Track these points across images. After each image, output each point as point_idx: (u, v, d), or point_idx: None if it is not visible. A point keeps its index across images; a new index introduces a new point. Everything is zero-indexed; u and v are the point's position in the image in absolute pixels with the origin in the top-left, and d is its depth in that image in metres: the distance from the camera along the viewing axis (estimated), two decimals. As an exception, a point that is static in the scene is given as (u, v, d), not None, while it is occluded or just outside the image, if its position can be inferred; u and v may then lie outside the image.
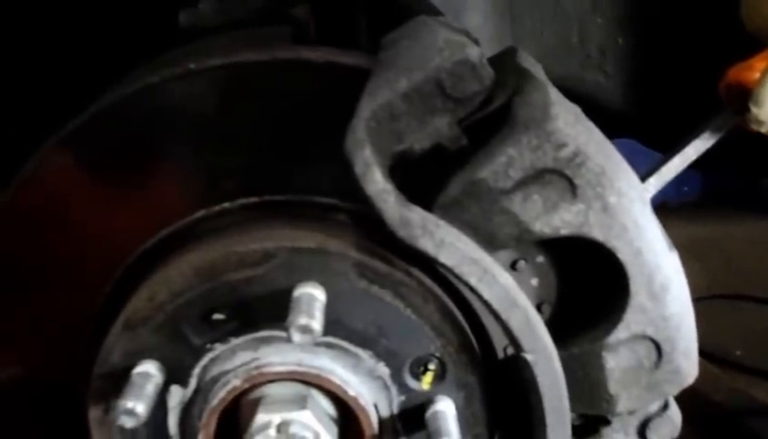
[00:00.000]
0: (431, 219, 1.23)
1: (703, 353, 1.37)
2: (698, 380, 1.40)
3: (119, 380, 1.29)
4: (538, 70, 1.35)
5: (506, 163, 1.23)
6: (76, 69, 2.09)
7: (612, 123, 1.40)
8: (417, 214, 1.23)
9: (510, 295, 1.26)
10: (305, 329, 1.19)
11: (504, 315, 1.26)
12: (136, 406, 1.23)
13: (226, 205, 1.39)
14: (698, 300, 1.36)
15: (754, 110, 1.33)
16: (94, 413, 1.35)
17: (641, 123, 2.20)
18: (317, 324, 1.20)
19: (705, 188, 6.44)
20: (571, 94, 1.32)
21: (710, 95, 1.44)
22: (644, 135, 2.24)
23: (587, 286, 1.36)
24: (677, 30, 2.12)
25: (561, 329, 1.33)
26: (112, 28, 2.12)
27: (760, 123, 1.34)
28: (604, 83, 2.19)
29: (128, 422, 1.23)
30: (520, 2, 2.15)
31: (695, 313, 1.34)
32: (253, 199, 1.39)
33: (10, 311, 1.46)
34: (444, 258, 1.24)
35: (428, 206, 1.26)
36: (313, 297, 1.25)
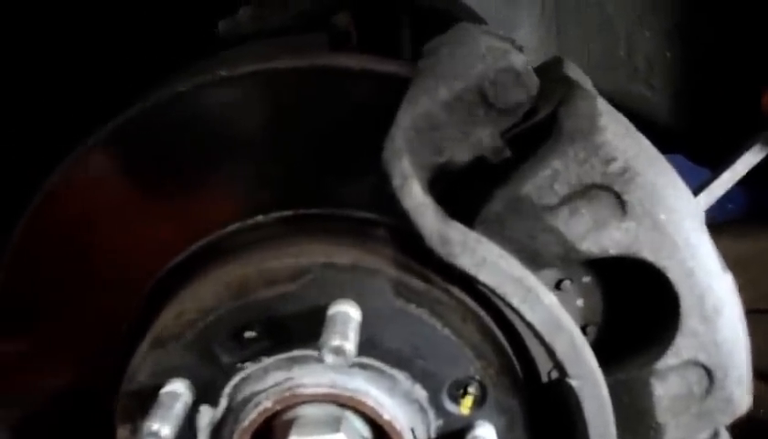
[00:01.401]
0: (471, 236, 1.19)
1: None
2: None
3: (147, 400, 1.26)
4: (585, 81, 1.31)
5: (551, 177, 1.19)
6: (117, 76, 2.09)
7: (658, 139, 1.35)
8: (457, 230, 1.19)
9: (555, 318, 1.21)
10: (339, 351, 1.15)
11: (548, 339, 1.22)
12: (162, 428, 1.20)
13: (260, 218, 1.36)
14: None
15: None
16: (122, 433, 1.33)
17: (688, 138, 2.16)
18: (351, 345, 1.16)
19: (749, 205, 6.39)
20: (617, 108, 1.27)
21: (759, 110, 1.44)
22: (691, 151, 2.20)
23: (635, 308, 1.32)
24: (725, 43, 2.08)
25: (607, 353, 1.28)
26: (154, 37, 2.11)
27: None
28: (651, 97, 2.15)
29: None
30: (566, 15, 2.12)
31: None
32: (288, 213, 1.36)
33: (41, 323, 1.45)
34: (485, 277, 1.20)
35: (469, 222, 1.22)
36: (347, 316, 1.22)
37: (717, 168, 1.43)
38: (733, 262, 1.32)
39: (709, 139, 2.11)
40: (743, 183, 1.47)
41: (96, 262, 1.40)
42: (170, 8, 2.14)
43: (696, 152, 2.19)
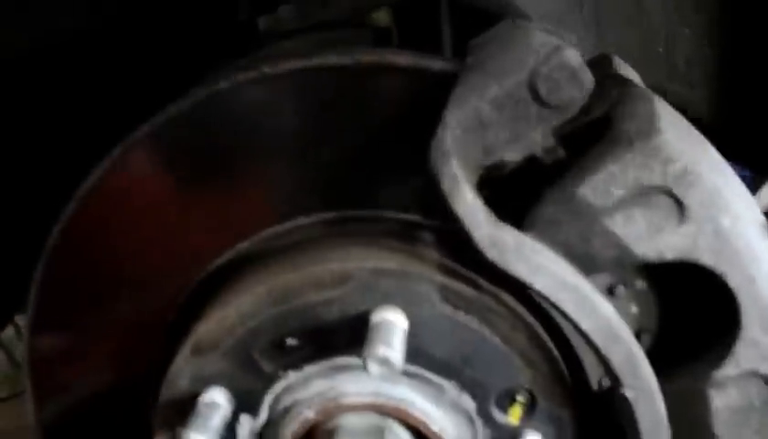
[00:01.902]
0: (526, 242, 1.16)
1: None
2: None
3: (185, 407, 1.25)
4: (637, 79, 1.28)
5: (607, 179, 1.16)
6: (159, 74, 2.08)
7: None
8: (510, 235, 1.16)
9: (612, 327, 1.18)
10: (384, 361, 1.13)
11: (604, 349, 1.19)
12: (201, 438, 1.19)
13: (301, 220, 1.34)
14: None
15: None
16: None
17: (727, 136, 2.13)
18: (397, 354, 1.14)
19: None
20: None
21: None
22: (732, 151, 2.18)
23: (692, 316, 1.29)
24: (766, 41, 2.04)
25: (662, 362, 1.24)
26: (197, 33, 2.10)
27: None
28: (691, 96, 2.11)
29: None
30: (605, 11, 2.09)
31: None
32: (330, 215, 1.34)
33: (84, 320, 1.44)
34: (540, 284, 1.17)
35: (519, 224, 1.19)
36: (392, 324, 1.19)
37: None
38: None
39: (749, 138, 2.10)
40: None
41: (134, 261, 1.39)
42: (210, 7, 2.14)
43: (737, 152, 2.16)
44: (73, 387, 1.47)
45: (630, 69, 1.36)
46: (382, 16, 1.76)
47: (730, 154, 1.38)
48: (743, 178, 1.31)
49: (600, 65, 1.29)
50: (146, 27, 2.09)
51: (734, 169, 1.31)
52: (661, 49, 2.12)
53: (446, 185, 1.16)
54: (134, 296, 1.40)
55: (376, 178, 1.31)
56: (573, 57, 1.17)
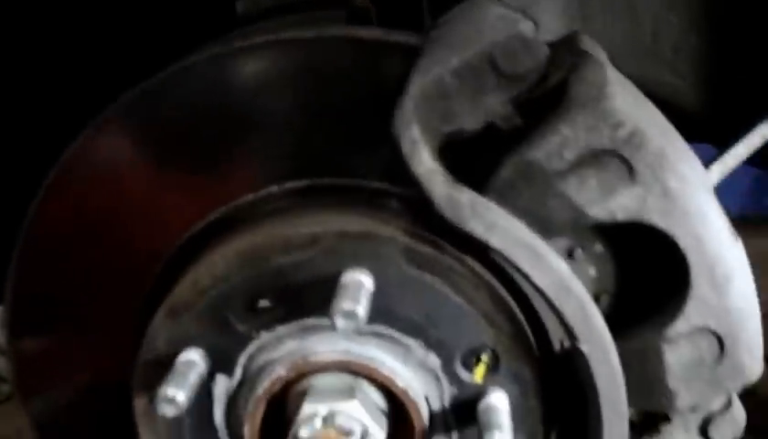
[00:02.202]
0: (481, 201, 1.22)
1: (770, 365, 1.34)
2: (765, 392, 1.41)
3: (163, 368, 1.29)
4: (598, 52, 1.33)
5: (560, 143, 1.22)
6: (135, 59, 2.12)
7: (685, 126, 1.37)
8: (466, 195, 1.22)
9: (565, 282, 1.24)
10: (350, 315, 1.18)
11: (557, 303, 1.24)
12: (177, 394, 1.23)
13: (273, 189, 1.39)
14: (765, 316, 1.35)
15: None
16: (140, 403, 1.36)
17: (714, 125, 2.16)
18: (362, 309, 1.19)
19: (758, 200, 6.43)
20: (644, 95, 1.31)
21: None
22: (717, 139, 2.20)
23: (647, 277, 1.33)
24: (753, 29, 2.06)
25: (621, 321, 1.31)
26: (172, 20, 2.14)
27: None
28: (677, 84, 2.12)
29: (169, 411, 1.23)
30: (591, 1, 2.11)
31: (763, 329, 1.33)
32: (301, 183, 1.39)
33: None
34: (495, 241, 1.22)
35: (480, 189, 1.24)
36: (360, 283, 1.24)
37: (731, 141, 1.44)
38: (756, 261, 1.35)
39: (735, 127, 2.12)
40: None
41: (111, 238, 1.43)
42: None
43: (723, 139, 2.19)
44: (63, 384, 1.51)
45: (594, 43, 1.39)
46: (360, -2, 1.78)
47: (717, 140, 1.43)
48: (747, 173, 1.38)
49: (568, 40, 1.34)
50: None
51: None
52: (648, 38, 2.14)
53: (406, 148, 1.22)
54: (113, 275, 1.44)
55: (344, 148, 1.36)
56: (528, 28, 1.23)
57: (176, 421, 1.33)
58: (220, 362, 1.31)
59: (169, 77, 1.36)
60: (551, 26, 2.03)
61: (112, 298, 1.45)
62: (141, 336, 1.38)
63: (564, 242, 1.32)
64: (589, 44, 1.36)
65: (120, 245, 1.43)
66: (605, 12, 2.11)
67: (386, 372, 1.31)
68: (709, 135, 2.15)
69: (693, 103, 2.08)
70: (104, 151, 1.40)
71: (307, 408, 1.29)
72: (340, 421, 1.28)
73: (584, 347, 1.25)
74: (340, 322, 1.18)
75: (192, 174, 1.40)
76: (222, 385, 1.33)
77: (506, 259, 1.24)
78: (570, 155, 1.22)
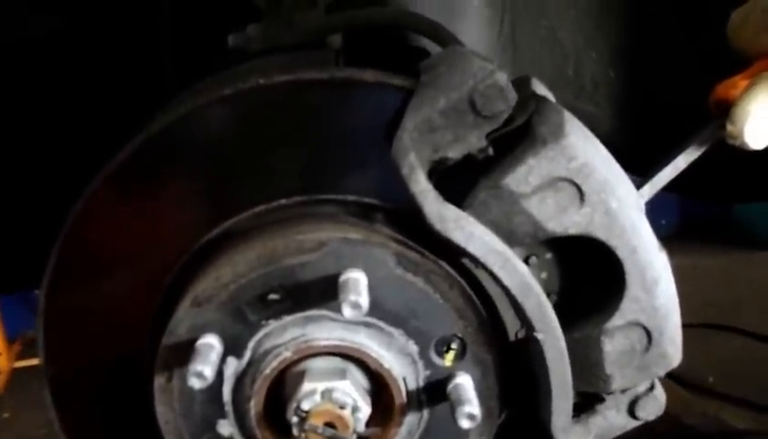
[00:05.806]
0: (462, 216, 1.38)
1: (677, 379, 1.44)
2: (671, 405, 1.53)
3: (183, 351, 1.43)
4: (550, 95, 1.52)
5: (526, 171, 1.36)
6: (126, 90, 2.22)
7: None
8: (452, 211, 1.38)
9: (527, 283, 1.40)
10: (355, 305, 1.34)
11: (520, 299, 1.40)
12: (204, 369, 1.36)
13: (283, 201, 1.54)
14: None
15: (729, 127, 1.42)
16: (159, 381, 1.48)
17: (628, 153, 2.34)
18: (365, 301, 1.35)
19: (681, 221, 6.67)
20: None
21: (693, 124, 1.50)
22: (630, 163, 2.39)
23: (587, 279, 1.47)
24: (667, 65, 2.23)
25: (565, 317, 1.43)
26: (166, 50, 2.26)
27: (734, 138, 1.42)
28: (595, 113, 2.29)
29: (197, 384, 1.36)
30: (521, 36, 2.24)
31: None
32: (306, 197, 1.54)
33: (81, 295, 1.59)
34: (473, 248, 1.38)
35: (459, 205, 1.40)
36: (357, 281, 1.39)
37: (659, 163, 1.52)
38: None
39: (647, 153, 2.29)
40: (677, 191, 1.57)
41: (138, 239, 1.54)
42: (181, 23, 2.29)
43: (634, 164, 2.38)
44: (83, 346, 1.58)
45: (544, 87, 1.56)
46: (335, 40, 1.90)
47: (629, 166, 1.53)
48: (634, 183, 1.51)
49: (520, 84, 1.48)
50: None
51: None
52: (571, 71, 2.27)
53: (405, 171, 1.37)
54: (138, 264, 1.56)
55: (343, 170, 1.50)
56: (502, 79, 1.36)
57: (190, 396, 1.44)
58: (232, 346, 1.42)
59: (170, 125, 1.50)
60: (488, 55, 2.19)
61: (141, 284, 1.55)
62: (157, 324, 1.52)
63: (521, 251, 1.45)
64: (541, 87, 1.57)
65: (146, 245, 1.56)
66: (534, 47, 2.24)
67: (374, 356, 1.43)
68: (623, 161, 2.35)
69: (610, 131, 2.26)
70: (122, 186, 1.52)
71: (307, 386, 1.41)
72: (336, 396, 1.40)
73: (540, 336, 1.39)
74: (347, 311, 1.33)
75: (213, 190, 1.55)
76: (232, 366, 1.43)
77: (478, 263, 1.40)
78: (533, 180, 1.36)
